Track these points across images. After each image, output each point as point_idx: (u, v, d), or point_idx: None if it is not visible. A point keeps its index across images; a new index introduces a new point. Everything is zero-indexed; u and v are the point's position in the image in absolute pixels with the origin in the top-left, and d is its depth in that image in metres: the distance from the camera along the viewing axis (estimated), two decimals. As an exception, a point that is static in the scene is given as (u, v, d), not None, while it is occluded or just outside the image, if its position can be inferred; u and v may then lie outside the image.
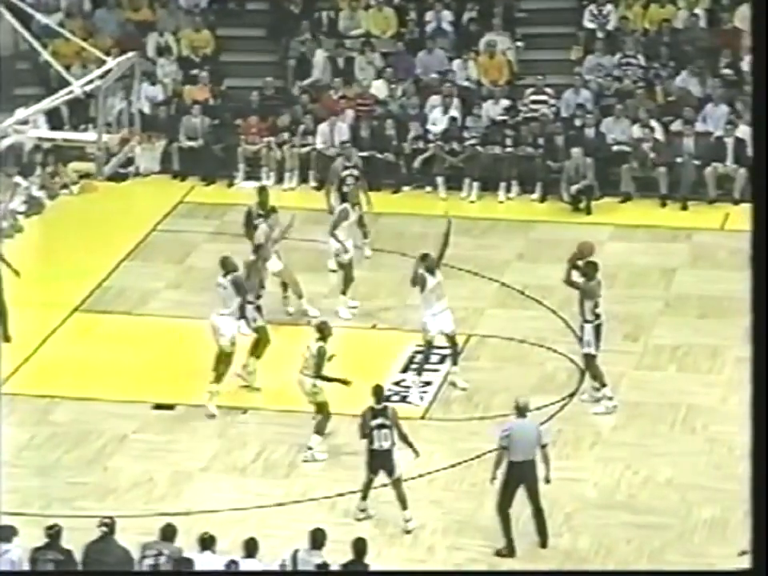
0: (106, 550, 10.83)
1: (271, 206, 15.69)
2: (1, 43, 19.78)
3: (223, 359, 13.92)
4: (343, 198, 16.49)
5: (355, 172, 16.84)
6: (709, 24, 20.11)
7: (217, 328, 13.97)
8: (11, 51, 20.02)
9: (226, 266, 14.17)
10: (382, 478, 12.44)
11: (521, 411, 11.89)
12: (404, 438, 12.17)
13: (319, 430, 13.33)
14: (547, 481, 11.87)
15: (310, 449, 13.30)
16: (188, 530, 11.45)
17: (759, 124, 6.87)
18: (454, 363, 14.37)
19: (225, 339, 13.92)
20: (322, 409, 13.31)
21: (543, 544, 11.90)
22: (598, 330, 13.64)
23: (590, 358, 13.71)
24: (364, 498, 12.33)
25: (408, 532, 12.13)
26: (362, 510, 12.32)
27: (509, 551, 11.80)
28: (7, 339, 15.01)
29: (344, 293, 15.66)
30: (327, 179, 17.25)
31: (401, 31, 20.52)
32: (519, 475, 11.74)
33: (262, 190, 15.89)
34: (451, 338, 14.25)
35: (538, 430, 11.91)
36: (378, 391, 12.34)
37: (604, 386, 13.75)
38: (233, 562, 10.71)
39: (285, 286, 15.64)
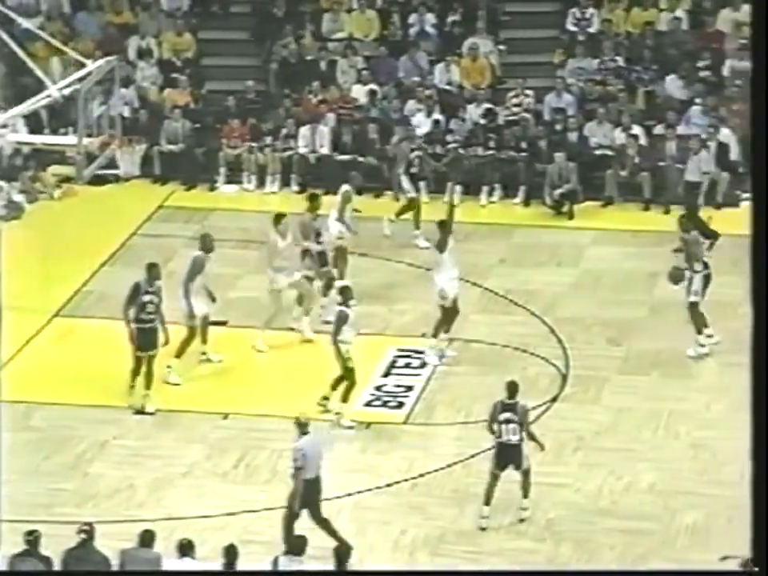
0: (85, 556, 10.78)
1: (279, 213, 15.40)
2: None
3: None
4: (412, 179, 17.29)
5: (420, 153, 17.61)
6: (691, 27, 20.17)
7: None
8: None
9: None
10: (369, 480, 12.42)
11: (302, 427, 11.87)
12: (530, 435, 12.26)
13: (345, 398, 13.65)
14: None
15: (338, 414, 13.62)
16: (168, 536, 11.43)
17: (759, 124, 6.81)
18: (447, 330, 14.72)
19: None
20: (348, 376, 13.58)
21: (343, 555, 11.12)
22: (706, 279, 14.62)
23: (694, 306, 14.60)
24: (487, 502, 12.22)
25: (522, 520, 12.22)
26: (485, 518, 12.23)
27: (345, 548, 11.35)
28: None
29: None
30: (396, 164, 17.82)
31: (383, 34, 20.53)
32: (315, 491, 11.74)
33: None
34: (455, 302, 14.67)
35: (321, 445, 11.92)
36: (511, 387, 12.38)
37: (701, 332, 14.60)
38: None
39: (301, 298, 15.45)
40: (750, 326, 6.78)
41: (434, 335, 14.70)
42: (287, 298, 15.32)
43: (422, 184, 18.71)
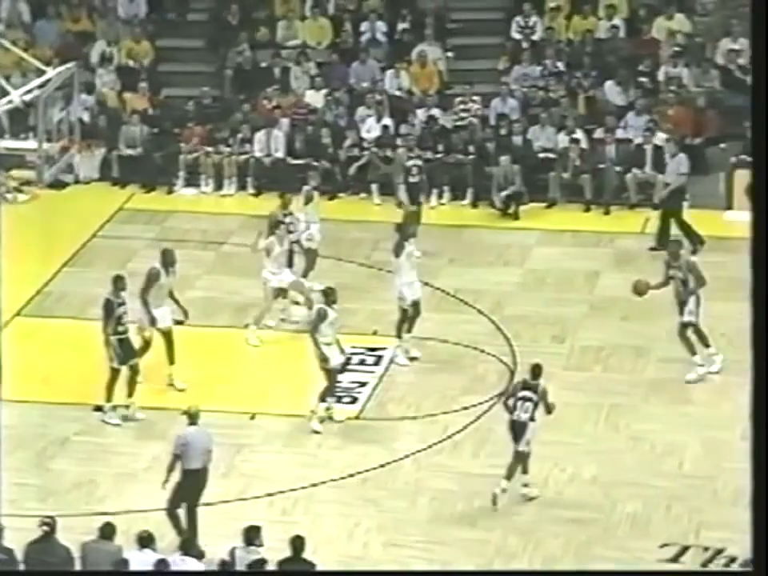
0: (47, 549, 10.77)
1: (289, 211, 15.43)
2: None
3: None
4: (410, 189, 16.73)
5: (419, 162, 17.09)
6: (628, 34, 20.34)
7: None
8: None
9: None
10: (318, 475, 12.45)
11: (191, 418, 11.88)
12: (549, 410, 12.56)
13: (323, 398, 13.49)
14: None
15: (314, 412, 13.48)
16: (127, 529, 11.38)
17: (759, 124, 6.74)
18: (409, 330, 14.59)
19: None
20: (326, 377, 13.45)
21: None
22: (698, 298, 14.14)
23: (690, 326, 14.08)
24: (508, 477, 12.43)
25: (525, 496, 12.40)
26: (503, 490, 12.39)
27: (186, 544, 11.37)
28: None
29: None
30: (393, 174, 17.37)
31: (336, 41, 20.55)
32: (195, 482, 11.74)
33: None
34: (417, 305, 14.57)
35: (209, 438, 11.85)
36: (535, 369, 12.68)
37: (696, 353, 14.10)
38: (162, 561, 10.65)
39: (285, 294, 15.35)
40: (750, 327, 6.83)
41: (398, 336, 14.64)
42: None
43: (373, 186, 18.82)
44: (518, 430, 12.46)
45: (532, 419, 12.46)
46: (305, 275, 15.79)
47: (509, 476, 12.43)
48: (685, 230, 17.14)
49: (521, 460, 12.46)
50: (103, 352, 13.82)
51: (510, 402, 12.57)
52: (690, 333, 14.10)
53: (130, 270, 16.77)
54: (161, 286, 14.15)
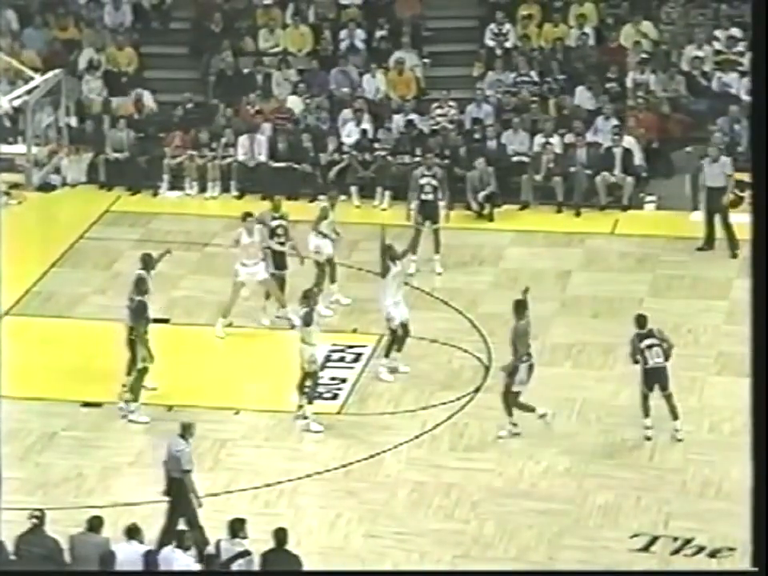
0: (36, 541, 10.74)
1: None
2: None
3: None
4: (423, 207, 16.38)
5: (434, 181, 16.64)
6: (597, 42, 20.39)
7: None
8: None
9: None
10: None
11: (185, 430, 11.79)
12: (670, 347, 12.92)
13: (310, 400, 13.36)
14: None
15: (306, 418, 13.34)
16: (115, 521, 11.34)
17: (759, 123, 6.71)
18: (399, 350, 14.38)
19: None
20: (310, 378, 13.34)
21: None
22: (530, 368, 13.29)
23: (516, 396, 13.24)
24: (647, 415, 13.01)
25: (679, 440, 13.01)
26: (648, 428, 13.04)
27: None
28: None
29: None
30: (409, 188, 16.89)
31: (316, 48, 20.53)
32: (176, 490, 11.69)
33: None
34: (405, 326, 14.34)
35: (178, 451, 11.66)
36: (640, 319, 13.04)
37: (513, 414, 13.27)
38: (149, 552, 10.61)
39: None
40: (750, 328, 6.78)
41: (386, 355, 14.37)
42: (254, 292, 15.29)
43: (353, 189, 18.77)
44: (657, 375, 12.79)
45: (667, 360, 12.85)
46: (332, 281, 15.49)
47: (647, 414, 12.92)
48: (724, 228, 16.93)
49: (670, 403, 12.89)
50: (124, 352, 13.64)
51: (638, 356, 12.89)
52: (516, 400, 13.19)
53: (116, 270, 16.75)
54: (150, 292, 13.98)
